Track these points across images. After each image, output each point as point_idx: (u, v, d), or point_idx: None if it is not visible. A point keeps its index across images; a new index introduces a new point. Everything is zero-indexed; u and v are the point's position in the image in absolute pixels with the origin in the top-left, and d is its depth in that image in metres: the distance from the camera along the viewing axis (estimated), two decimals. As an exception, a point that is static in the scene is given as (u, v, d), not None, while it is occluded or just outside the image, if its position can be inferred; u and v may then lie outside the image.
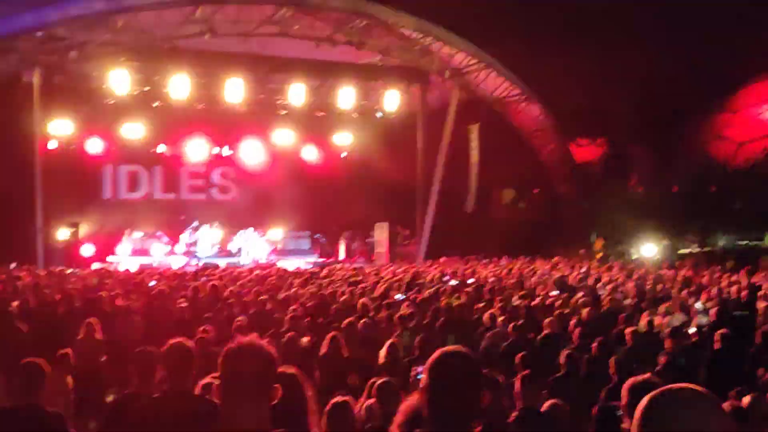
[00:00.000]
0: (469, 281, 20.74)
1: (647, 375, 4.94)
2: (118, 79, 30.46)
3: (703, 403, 2.43)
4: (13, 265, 24.84)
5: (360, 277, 21.50)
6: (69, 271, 23.82)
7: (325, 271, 24.56)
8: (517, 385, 7.30)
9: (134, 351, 6.54)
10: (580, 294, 16.77)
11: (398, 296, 15.62)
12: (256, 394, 3.34)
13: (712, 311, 13.75)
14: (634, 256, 35.24)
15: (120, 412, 5.66)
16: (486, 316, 12.82)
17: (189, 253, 33.62)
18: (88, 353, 10.59)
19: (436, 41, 33.20)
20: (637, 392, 4.15)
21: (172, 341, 5.53)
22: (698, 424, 2.36)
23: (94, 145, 34.25)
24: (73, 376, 9.16)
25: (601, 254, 33.25)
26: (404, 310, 13.39)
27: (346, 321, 11.67)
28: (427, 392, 3.34)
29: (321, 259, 34.69)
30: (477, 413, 3.34)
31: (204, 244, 34.19)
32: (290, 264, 30.74)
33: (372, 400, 6.89)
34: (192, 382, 5.54)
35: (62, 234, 32.09)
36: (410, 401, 3.74)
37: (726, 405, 5.26)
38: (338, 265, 29.02)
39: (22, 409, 5.80)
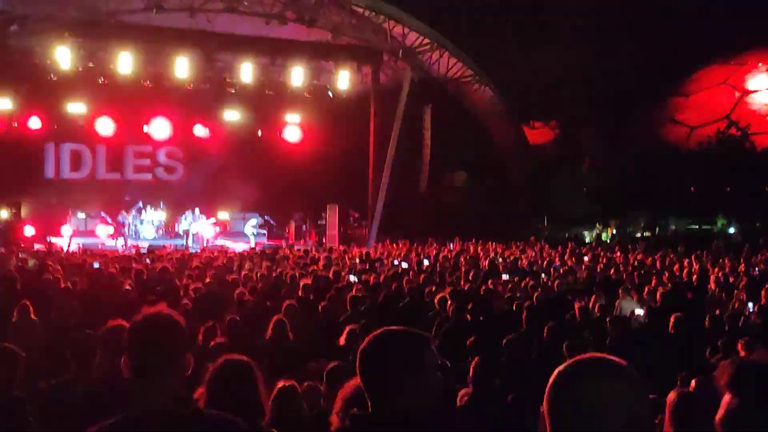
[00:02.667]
0: (425, 263, 20.51)
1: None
2: (62, 55, 29.60)
3: (616, 375, 2.19)
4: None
5: (310, 260, 21.11)
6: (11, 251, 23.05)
7: (274, 254, 24.10)
8: (471, 371, 7.12)
9: (72, 334, 6.22)
10: (531, 278, 16.60)
11: (352, 278, 15.21)
12: (166, 366, 3.13)
13: (658, 294, 13.55)
14: (586, 240, 35.30)
15: (57, 398, 5.44)
16: (437, 299, 12.48)
17: (133, 235, 32.89)
18: (23, 337, 10.04)
19: (389, 20, 32.81)
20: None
21: (111, 323, 5.34)
22: (610, 396, 2.13)
23: (36, 123, 33.22)
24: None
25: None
26: (356, 292, 13.01)
27: (293, 303, 11.24)
28: (360, 373, 3.04)
29: (270, 242, 34.16)
30: (420, 394, 3.03)
31: (149, 225, 33.52)
32: (238, 246, 30.22)
33: (315, 383, 6.90)
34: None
35: (3, 214, 31.19)
36: (347, 386, 3.68)
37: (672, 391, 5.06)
38: (288, 248, 28.57)
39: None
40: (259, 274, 16.46)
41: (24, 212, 32.18)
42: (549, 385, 2.22)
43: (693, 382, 6.30)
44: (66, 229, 32.32)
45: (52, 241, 30.49)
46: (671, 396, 4.96)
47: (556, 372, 2.23)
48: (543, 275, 18.54)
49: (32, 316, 10.61)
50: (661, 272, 18.40)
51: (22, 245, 28.19)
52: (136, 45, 30.58)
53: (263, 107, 36.25)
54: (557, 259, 23.17)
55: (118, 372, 4.86)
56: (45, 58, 30.16)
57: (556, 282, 15.99)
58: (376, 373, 3.03)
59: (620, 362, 2.22)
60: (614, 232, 38.44)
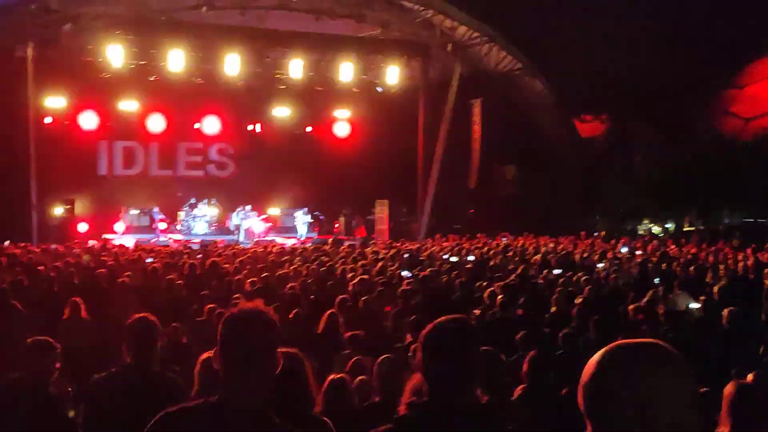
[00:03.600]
0: (470, 258, 20.39)
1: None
2: (114, 53, 29.88)
3: (666, 362, 2.06)
4: (6, 243, 24.34)
5: (359, 254, 21.13)
6: (67, 248, 23.38)
7: (324, 249, 24.14)
8: (526, 366, 7.12)
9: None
10: (583, 272, 16.40)
11: (404, 273, 15.17)
12: (258, 363, 3.12)
13: (715, 288, 13.31)
14: (639, 234, 34.83)
15: (108, 390, 5.44)
16: (486, 294, 12.40)
17: (186, 231, 33.23)
18: (72, 334, 10.16)
19: (438, 14, 32.70)
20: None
21: (136, 316, 5.49)
22: (656, 383, 2.00)
23: (89, 121, 33.62)
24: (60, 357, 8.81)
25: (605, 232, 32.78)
26: (406, 286, 13.00)
27: (345, 298, 11.25)
28: (423, 366, 3.11)
29: (320, 237, 34.26)
30: (476, 384, 3.10)
31: (201, 221, 33.81)
32: (288, 242, 30.35)
33: (366, 377, 6.90)
34: (156, 357, 5.46)
35: (57, 211, 31.64)
36: (416, 377, 3.54)
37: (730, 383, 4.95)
38: (336, 243, 28.59)
39: (29, 383, 5.81)
40: (309, 269, 16.51)
41: (78, 209, 32.58)
42: (593, 366, 2.11)
43: (750, 376, 6.18)
44: (119, 226, 32.72)
45: (106, 237, 30.89)
46: (729, 388, 4.86)
47: (601, 353, 2.12)
48: (596, 269, 18.32)
49: (83, 313, 10.71)
50: (716, 266, 18.09)
51: (77, 241, 28.61)
52: (188, 42, 30.81)
53: (313, 103, 36.34)
54: (610, 252, 22.90)
55: (140, 363, 5.25)
56: (97, 57, 30.46)
57: (609, 276, 15.79)
58: (437, 361, 3.03)
59: (671, 349, 2.11)
60: (667, 225, 37.89)
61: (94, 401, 5.36)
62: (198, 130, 36.11)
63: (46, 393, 5.82)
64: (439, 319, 3.16)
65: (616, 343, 2.14)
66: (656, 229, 37.93)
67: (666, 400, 2.00)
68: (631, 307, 11.57)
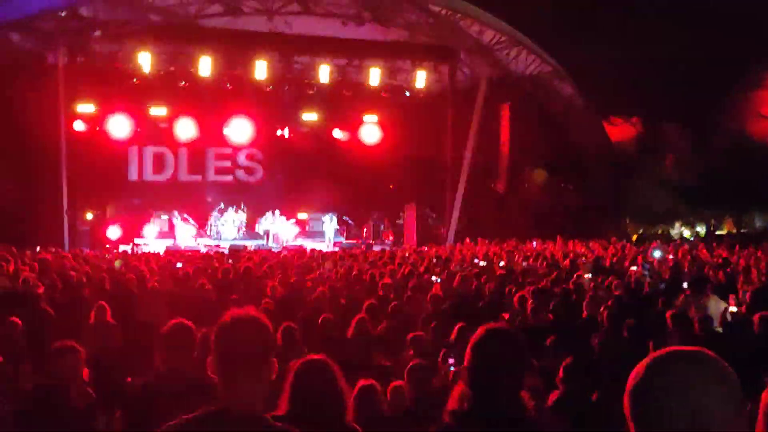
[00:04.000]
0: (500, 264, 20.27)
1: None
2: (143, 59, 30.10)
3: (714, 369, 2.06)
4: (38, 249, 24.54)
5: (388, 259, 21.08)
6: (98, 253, 23.57)
7: (353, 253, 24.15)
8: (561, 371, 7.09)
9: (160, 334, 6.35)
10: (614, 276, 16.23)
11: (434, 278, 15.11)
12: (252, 368, 3.15)
13: (748, 293, 13.12)
14: (670, 238, 34.54)
15: (145, 396, 5.49)
16: (516, 298, 12.32)
17: (215, 235, 33.40)
18: (98, 338, 10.21)
19: (465, 18, 32.58)
20: None
21: (172, 322, 5.48)
22: (707, 391, 2.00)
23: (120, 127, 33.85)
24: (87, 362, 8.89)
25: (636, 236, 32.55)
26: (436, 291, 12.95)
27: (374, 302, 11.24)
28: (469, 371, 3.13)
29: (348, 241, 34.27)
30: (519, 391, 3.15)
31: (230, 226, 33.95)
32: (317, 246, 30.39)
33: (400, 382, 6.83)
34: (191, 362, 5.43)
35: (88, 216, 31.87)
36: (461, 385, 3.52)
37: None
38: (366, 247, 28.61)
39: (52, 389, 5.84)
40: (338, 274, 16.51)
41: (108, 214, 32.80)
42: (641, 372, 2.09)
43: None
44: (149, 230, 32.92)
45: (136, 241, 31.10)
46: (766, 395, 4.77)
47: (650, 359, 2.10)
48: (630, 271, 18.15)
49: (109, 317, 10.76)
50: (748, 270, 17.86)
51: (108, 246, 28.83)
52: (216, 48, 30.96)
53: (341, 108, 36.40)
54: (641, 257, 22.69)
55: (176, 368, 5.22)
56: (127, 63, 30.72)
57: (640, 280, 15.63)
58: (486, 369, 3.06)
59: (718, 357, 2.10)
60: (698, 228, 37.57)
61: (132, 408, 5.37)
62: (227, 135, 36.27)
63: (68, 399, 5.84)
64: (485, 327, 3.19)
65: (665, 350, 2.12)
66: (687, 233, 37.60)
67: (716, 408, 1.99)
68: (664, 312, 11.45)
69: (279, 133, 37.09)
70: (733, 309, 12.35)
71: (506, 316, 11.44)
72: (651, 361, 2.09)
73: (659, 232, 35.77)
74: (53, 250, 24.22)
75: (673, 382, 2.02)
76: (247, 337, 3.18)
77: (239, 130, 35.92)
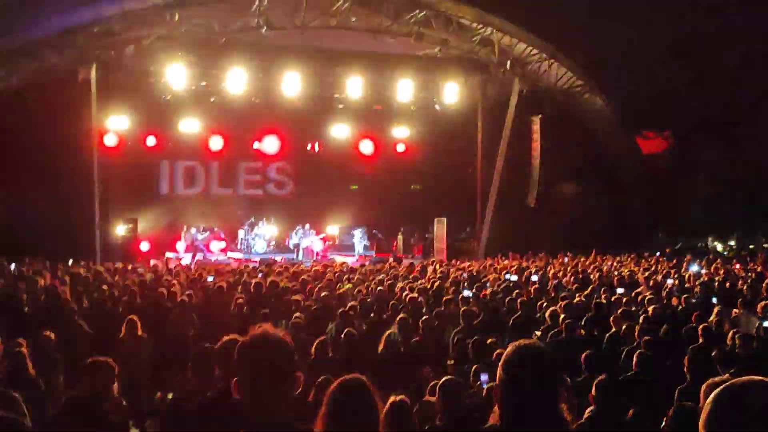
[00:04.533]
0: (532, 278, 20.14)
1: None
2: (175, 74, 30.26)
3: None
4: (70, 262, 24.71)
5: (419, 273, 21.03)
6: (130, 267, 23.67)
7: (382, 267, 24.08)
8: (594, 389, 7.07)
9: (193, 349, 6.41)
10: (647, 291, 16.07)
11: (466, 293, 14.99)
12: (275, 385, 3.22)
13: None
14: (704, 252, 34.19)
15: (176, 411, 5.47)
16: (548, 313, 12.23)
17: (245, 249, 33.49)
18: (129, 352, 10.23)
19: (497, 32, 32.46)
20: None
21: (226, 338, 5.54)
22: None
23: (152, 141, 34.18)
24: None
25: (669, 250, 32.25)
26: (468, 306, 12.84)
27: (404, 317, 11.19)
28: (502, 390, 3.08)
29: (378, 255, 34.22)
30: (553, 411, 3.10)
31: (260, 240, 34.04)
32: (347, 260, 30.35)
33: (430, 398, 6.87)
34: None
35: (120, 230, 32.07)
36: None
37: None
38: (396, 261, 28.50)
39: (86, 403, 5.81)
40: (368, 288, 16.45)
41: (140, 228, 32.97)
42: (711, 404, 2.12)
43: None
44: (180, 244, 33.08)
45: (168, 255, 31.23)
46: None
47: (720, 390, 2.13)
48: (665, 285, 17.98)
49: (139, 331, 10.78)
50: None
51: (139, 260, 28.96)
52: (247, 63, 31.10)
53: (371, 121, 36.45)
54: (674, 271, 22.46)
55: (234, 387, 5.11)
56: (159, 78, 30.93)
57: (674, 295, 15.46)
58: (518, 387, 3.02)
59: None
60: (731, 243, 37.17)
61: (172, 422, 5.36)
62: (257, 149, 36.45)
63: (102, 412, 5.84)
64: (516, 345, 3.14)
65: (734, 381, 2.17)
66: (720, 247, 37.23)
67: None
68: (698, 326, 11.29)
69: (309, 147, 37.23)
70: (766, 324, 12.19)
71: (538, 333, 11.34)
72: (717, 395, 2.14)
73: (697, 245, 35.40)
74: (85, 263, 24.41)
75: (754, 410, 2.05)
76: (267, 356, 3.24)
77: (269, 144, 36.11)
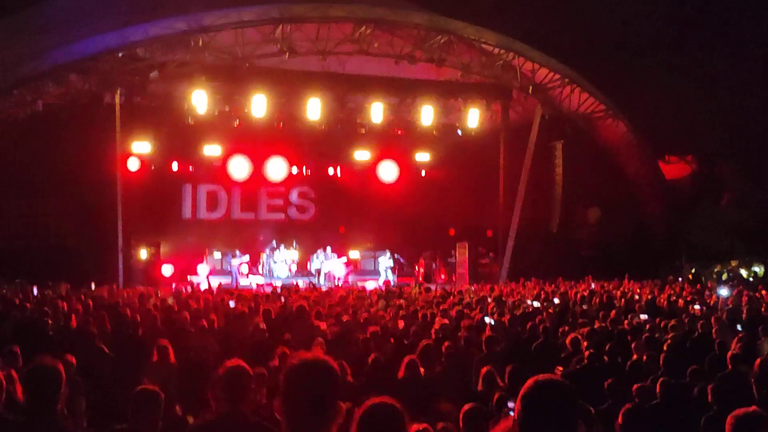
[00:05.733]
0: (555, 301, 20.06)
1: (753, 407, 4.51)
2: (198, 99, 30.44)
3: None
4: (92, 286, 24.84)
5: (441, 298, 20.95)
6: (153, 291, 23.73)
7: (405, 292, 24.04)
8: (620, 418, 7.07)
9: (213, 373, 6.37)
10: (671, 318, 15.92)
11: (487, 320, 14.92)
12: (319, 412, 3.20)
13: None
14: (728, 278, 33.91)
15: None
16: (569, 339, 12.13)
17: (267, 274, 33.51)
18: (163, 377, 10.22)
19: (519, 57, 32.54)
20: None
21: (228, 364, 5.50)
22: None
23: (174, 166, 34.38)
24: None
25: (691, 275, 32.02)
26: (490, 332, 12.75)
27: (427, 343, 11.12)
28: (520, 424, 3.06)
29: (400, 280, 34.18)
30: None
31: (282, 264, 34.06)
32: (369, 285, 30.31)
33: (448, 425, 6.80)
34: (249, 403, 5.51)
35: (143, 253, 32.20)
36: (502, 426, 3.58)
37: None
38: (418, 287, 28.44)
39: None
40: (391, 313, 16.41)
41: (162, 251, 33.08)
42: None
43: None
44: (202, 268, 33.16)
45: (191, 279, 31.33)
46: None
47: (734, 417, 2.15)
48: (693, 309, 17.84)
49: (171, 358, 10.77)
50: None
51: (162, 283, 29.06)
52: (270, 88, 31.25)
53: (393, 146, 36.53)
54: (698, 297, 22.27)
55: (234, 410, 5.18)
56: (183, 103, 31.11)
57: (699, 322, 15.31)
58: (537, 422, 3.00)
59: None
60: (755, 269, 36.85)
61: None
62: (276, 173, 36.56)
63: None
64: (535, 379, 3.13)
65: (747, 410, 2.16)
66: (744, 273, 36.91)
67: None
68: (722, 354, 11.17)
69: (331, 171, 37.35)
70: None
71: (560, 368, 11.22)
72: (734, 420, 2.15)
73: (728, 269, 35.14)
74: (108, 287, 24.52)
75: None
76: (315, 381, 3.22)
77: (287, 168, 36.25)
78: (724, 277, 34.52)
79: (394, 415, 4.33)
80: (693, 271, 32.19)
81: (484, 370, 9.39)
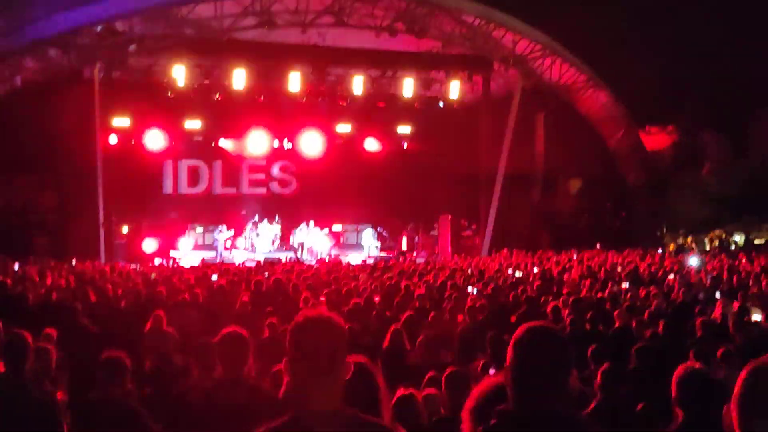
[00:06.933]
0: (534, 271, 20.19)
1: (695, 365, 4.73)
2: (178, 73, 30.24)
3: None
4: (74, 261, 24.72)
5: (424, 270, 21.00)
6: (132, 266, 23.69)
7: (387, 265, 24.07)
8: (599, 378, 7.13)
9: (195, 343, 6.53)
10: (652, 286, 16.03)
11: (469, 289, 14.97)
12: (327, 369, 3.07)
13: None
14: (708, 248, 34.15)
15: (180, 403, 5.58)
16: (550, 308, 12.20)
17: (249, 248, 33.45)
18: (157, 345, 10.24)
19: (499, 28, 32.46)
20: (684, 384, 4.48)
21: (226, 330, 5.49)
22: None
23: (155, 140, 34.06)
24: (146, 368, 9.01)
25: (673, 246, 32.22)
26: (475, 302, 12.79)
27: (411, 314, 11.15)
28: (512, 372, 3.04)
29: (383, 253, 34.20)
30: (564, 394, 3.05)
31: (265, 238, 33.98)
32: (352, 258, 30.30)
33: (433, 390, 6.87)
34: (247, 370, 5.46)
35: (124, 229, 32.05)
36: (483, 387, 3.56)
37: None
38: (401, 258, 28.50)
39: (102, 403, 5.91)
40: (373, 285, 16.42)
41: (144, 227, 32.93)
42: (743, 383, 2.31)
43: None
44: (184, 243, 33.04)
45: (172, 254, 31.24)
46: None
47: (748, 370, 2.32)
48: (668, 279, 17.98)
49: (165, 326, 10.80)
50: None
51: (144, 259, 28.97)
52: (250, 61, 31.06)
53: (374, 119, 36.38)
54: (677, 266, 22.44)
55: (231, 377, 5.25)
56: (162, 77, 30.90)
57: (678, 290, 15.42)
58: (529, 368, 2.99)
59: None
60: (736, 238, 37.11)
61: (193, 416, 5.34)
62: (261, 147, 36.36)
63: (128, 409, 5.90)
64: (527, 326, 3.11)
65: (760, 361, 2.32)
66: (725, 243, 37.16)
67: None
68: (699, 321, 11.26)
69: (313, 144, 37.14)
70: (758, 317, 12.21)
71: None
72: (748, 373, 2.32)
73: (696, 241, 35.35)
74: (89, 262, 24.42)
75: None
76: (326, 336, 3.11)
77: (268, 141, 36.00)
78: (714, 245, 34.81)
79: (367, 371, 4.31)
80: (679, 241, 32.38)
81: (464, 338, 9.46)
